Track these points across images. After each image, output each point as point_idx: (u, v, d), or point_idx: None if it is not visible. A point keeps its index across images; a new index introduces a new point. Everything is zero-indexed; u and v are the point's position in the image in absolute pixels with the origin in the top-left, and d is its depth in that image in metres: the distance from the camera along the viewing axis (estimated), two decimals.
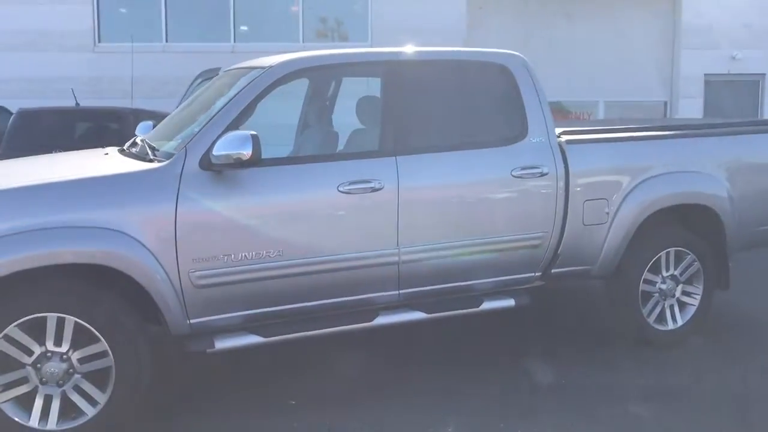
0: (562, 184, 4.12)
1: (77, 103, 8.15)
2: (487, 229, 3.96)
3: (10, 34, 12.18)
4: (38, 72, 11.94)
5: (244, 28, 12.55)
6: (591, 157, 4.27)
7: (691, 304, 4.63)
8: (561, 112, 12.65)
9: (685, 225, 4.64)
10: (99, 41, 12.49)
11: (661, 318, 4.56)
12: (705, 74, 12.46)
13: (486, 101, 4.18)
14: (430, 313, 3.89)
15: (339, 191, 3.59)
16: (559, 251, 4.20)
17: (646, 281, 4.49)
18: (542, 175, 4.06)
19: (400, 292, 3.86)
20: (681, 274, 4.59)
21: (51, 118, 7.69)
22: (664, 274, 4.54)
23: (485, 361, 4.33)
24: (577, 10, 12.38)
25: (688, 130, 4.73)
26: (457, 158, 3.92)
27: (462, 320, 4.11)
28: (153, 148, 3.69)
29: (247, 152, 3.26)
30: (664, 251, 4.50)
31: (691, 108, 12.43)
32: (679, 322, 4.60)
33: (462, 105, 4.13)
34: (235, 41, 12.49)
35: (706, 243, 4.64)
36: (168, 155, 3.47)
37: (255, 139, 3.28)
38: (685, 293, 4.63)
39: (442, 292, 4.00)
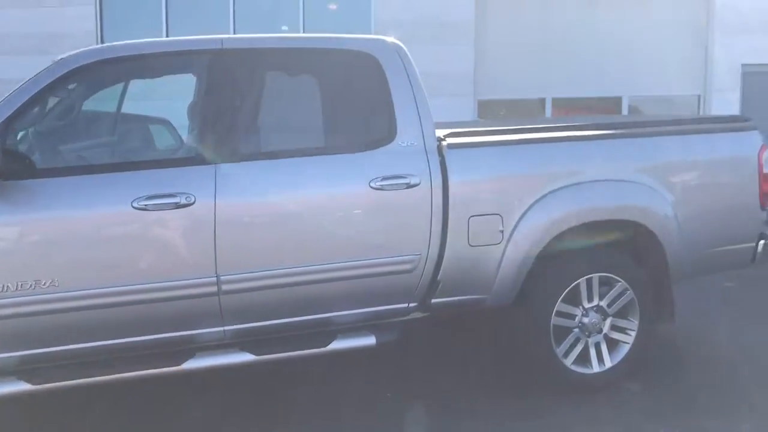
0: (438, 196, 3.37)
1: None
2: (337, 252, 3.26)
3: (17, 38, 12.18)
4: None
5: (243, 25, 12.14)
6: (479, 164, 3.49)
7: (624, 342, 3.80)
8: (580, 110, 11.62)
9: (618, 247, 3.80)
10: (102, 42, 12.36)
11: (583, 359, 3.74)
12: (743, 64, 11.13)
13: (342, 98, 3.44)
14: (260, 355, 3.22)
15: (133, 208, 2.98)
16: (438, 277, 3.46)
17: (561, 314, 3.67)
18: (409, 186, 3.32)
19: (226, 329, 3.21)
20: (609, 306, 3.75)
21: None
22: (586, 305, 3.72)
23: (356, 408, 3.63)
24: None
25: (616, 129, 3.85)
26: (299, 167, 3.24)
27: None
28: None
29: None
30: (584, 278, 3.68)
31: (726, 102, 11.15)
32: (608, 364, 3.77)
33: (309, 103, 3.44)
34: None
35: (641, 268, 3.79)
36: None
37: None
38: (615, 328, 3.79)
39: (287, 328, 3.33)
